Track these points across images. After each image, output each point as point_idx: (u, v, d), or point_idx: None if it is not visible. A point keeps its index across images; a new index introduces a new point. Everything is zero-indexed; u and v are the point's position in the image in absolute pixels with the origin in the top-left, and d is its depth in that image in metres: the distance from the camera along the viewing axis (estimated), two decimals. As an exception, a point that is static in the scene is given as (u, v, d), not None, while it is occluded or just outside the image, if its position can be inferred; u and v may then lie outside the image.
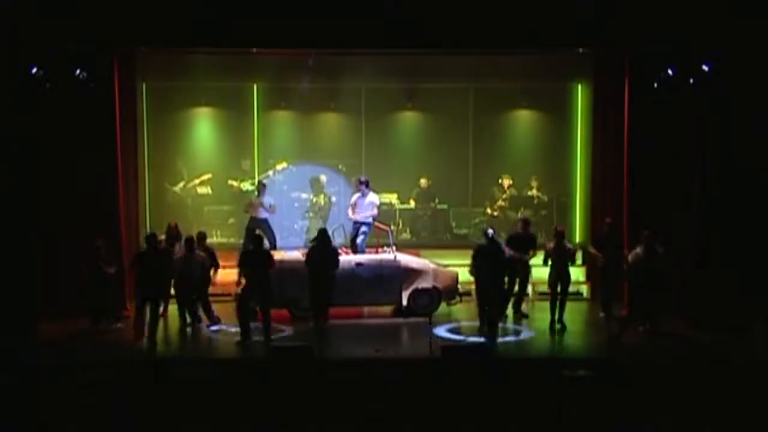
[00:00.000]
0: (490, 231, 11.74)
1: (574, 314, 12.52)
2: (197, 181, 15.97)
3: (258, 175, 16.01)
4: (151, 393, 9.04)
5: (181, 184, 15.95)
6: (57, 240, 12.20)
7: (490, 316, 11.38)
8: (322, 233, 12.03)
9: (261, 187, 14.21)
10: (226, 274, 12.55)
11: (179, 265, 11.79)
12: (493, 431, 8.29)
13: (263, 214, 13.90)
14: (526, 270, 12.75)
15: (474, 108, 16.41)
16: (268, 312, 11.27)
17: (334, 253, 12.03)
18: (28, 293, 11.69)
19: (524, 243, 12.59)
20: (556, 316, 11.90)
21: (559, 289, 11.88)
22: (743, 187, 11.78)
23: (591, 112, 14.85)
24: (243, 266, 11.38)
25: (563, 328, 11.80)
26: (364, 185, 13.30)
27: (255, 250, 11.47)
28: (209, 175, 16.04)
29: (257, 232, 12.88)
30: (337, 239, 13.66)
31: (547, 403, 8.69)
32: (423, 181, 16.21)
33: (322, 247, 11.85)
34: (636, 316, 11.54)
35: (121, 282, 12.40)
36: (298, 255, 12.74)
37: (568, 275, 11.98)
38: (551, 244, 12.05)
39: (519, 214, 15.95)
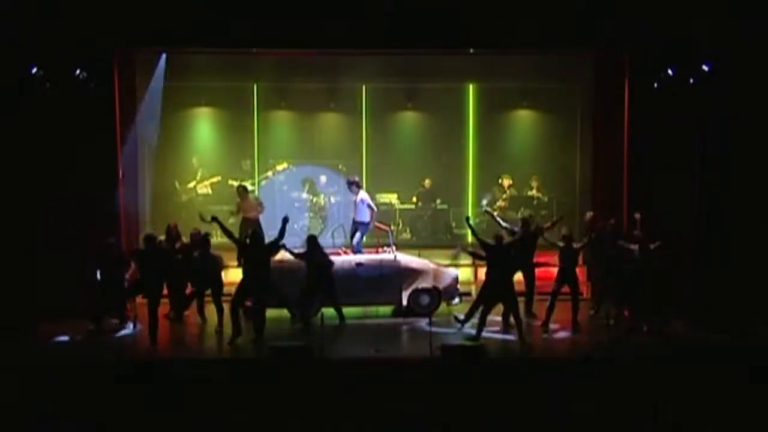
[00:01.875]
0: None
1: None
2: (207, 182, 16.01)
3: (258, 175, 16.03)
4: (151, 393, 9.04)
5: (192, 184, 15.99)
6: (57, 240, 12.19)
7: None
8: (310, 240, 12.07)
9: (243, 191, 14.23)
10: (227, 275, 12.57)
11: (197, 265, 11.84)
12: (491, 431, 8.30)
13: (254, 214, 13.93)
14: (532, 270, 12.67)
15: (474, 108, 16.42)
16: (263, 311, 11.28)
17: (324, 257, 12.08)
18: (28, 293, 11.69)
19: (526, 242, 12.52)
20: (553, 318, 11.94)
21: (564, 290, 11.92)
22: (743, 186, 11.79)
23: (591, 112, 14.85)
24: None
25: (575, 329, 11.75)
26: (354, 185, 13.32)
27: (253, 245, 11.44)
28: (218, 177, 16.07)
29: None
30: (338, 239, 13.68)
31: (545, 403, 8.69)
32: (427, 182, 16.23)
33: (310, 256, 11.92)
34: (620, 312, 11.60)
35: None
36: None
37: (575, 276, 11.95)
38: (560, 244, 12.02)
39: (519, 214, 15.97)
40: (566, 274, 11.82)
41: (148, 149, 15.03)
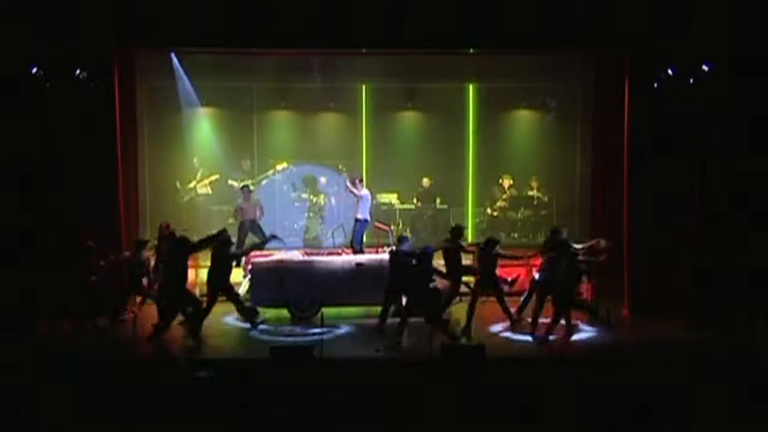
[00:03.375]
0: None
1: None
2: (206, 181, 16.02)
3: (258, 175, 16.05)
4: (151, 393, 9.03)
5: (193, 183, 16.00)
6: (57, 240, 12.19)
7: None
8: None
9: (247, 191, 14.30)
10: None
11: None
12: (491, 431, 8.30)
13: (254, 216, 13.96)
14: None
15: (474, 108, 16.43)
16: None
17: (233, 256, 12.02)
18: (28, 293, 11.69)
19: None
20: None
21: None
22: (743, 186, 11.79)
23: (591, 112, 14.85)
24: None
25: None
26: (357, 182, 13.36)
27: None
28: (217, 176, 16.09)
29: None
30: (338, 239, 13.68)
31: (544, 403, 8.69)
32: (425, 181, 16.24)
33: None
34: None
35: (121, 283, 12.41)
36: (297, 255, 12.78)
37: (494, 281, 11.85)
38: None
39: (519, 214, 16.01)
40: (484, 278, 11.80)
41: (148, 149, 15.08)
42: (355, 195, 13.41)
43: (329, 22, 12.38)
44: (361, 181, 13.55)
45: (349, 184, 13.59)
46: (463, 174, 16.49)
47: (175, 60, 14.87)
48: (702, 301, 11.93)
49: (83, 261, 11.72)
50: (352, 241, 13.23)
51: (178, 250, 11.24)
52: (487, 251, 11.78)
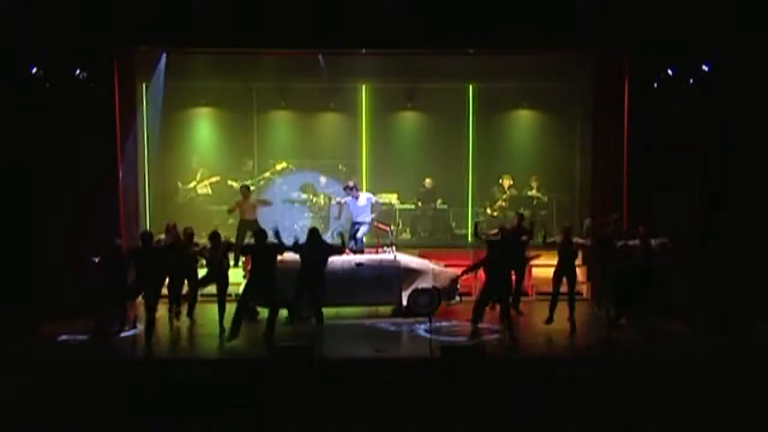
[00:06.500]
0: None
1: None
2: (207, 182, 16.02)
3: (258, 175, 16.05)
4: (151, 393, 9.04)
5: (193, 184, 16.00)
6: (58, 240, 12.19)
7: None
8: (312, 233, 11.95)
9: (246, 191, 14.23)
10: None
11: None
12: (491, 431, 8.30)
13: (253, 216, 13.95)
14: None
15: (474, 108, 16.43)
16: (275, 311, 11.30)
17: (330, 248, 12.03)
18: (29, 293, 11.69)
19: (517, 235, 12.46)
20: (562, 315, 11.90)
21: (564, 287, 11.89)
22: (743, 186, 11.79)
23: (591, 112, 14.85)
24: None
25: (573, 327, 11.68)
26: (354, 189, 13.39)
27: (258, 245, 11.45)
28: (218, 178, 16.08)
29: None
30: (338, 240, 13.63)
31: (545, 403, 8.69)
32: (428, 182, 16.23)
33: (313, 246, 11.82)
34: (621, 312, 11.52)
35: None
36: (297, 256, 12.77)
37: (575, 273, 11.94)
38: (558, 239, 12.02)
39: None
40: (566, 270, 11.83)
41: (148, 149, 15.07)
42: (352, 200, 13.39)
43: (329, 22, 12.39)
44: (355, 188, 13.45)
45: (348, 198, 13.52)
46: (463, 174, 16.48)
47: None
48: (702, 302, 11.93)
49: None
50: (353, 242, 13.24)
51: (271, 252, 11.35)
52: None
